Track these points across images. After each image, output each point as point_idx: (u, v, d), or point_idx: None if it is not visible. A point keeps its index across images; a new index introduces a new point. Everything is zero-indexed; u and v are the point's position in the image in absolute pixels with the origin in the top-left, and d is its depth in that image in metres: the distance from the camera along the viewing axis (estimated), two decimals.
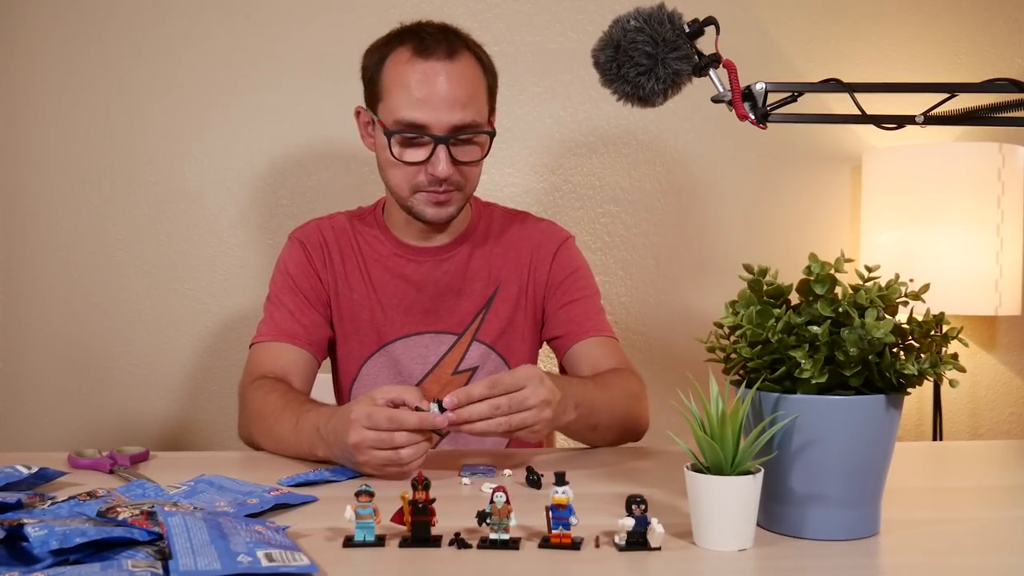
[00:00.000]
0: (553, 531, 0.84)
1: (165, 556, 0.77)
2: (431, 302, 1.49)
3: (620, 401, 1.33)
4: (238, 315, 2.11)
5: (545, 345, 1.57)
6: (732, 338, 0.91)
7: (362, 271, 1.49)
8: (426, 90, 1.33)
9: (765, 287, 0.90)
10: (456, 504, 0.97)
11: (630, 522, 0.84)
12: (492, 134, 1.40)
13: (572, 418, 1.20)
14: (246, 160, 2.11)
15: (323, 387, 1.52)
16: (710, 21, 0.98)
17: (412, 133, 1.35)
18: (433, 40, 1.35)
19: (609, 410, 1.30)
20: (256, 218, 2.12)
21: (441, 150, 1.34)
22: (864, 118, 0.98)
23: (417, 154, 1.36)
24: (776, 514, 0.89)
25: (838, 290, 0.87)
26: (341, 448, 1.11)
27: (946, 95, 1.00)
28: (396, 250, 1.50)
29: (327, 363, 1.55)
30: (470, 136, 1.37)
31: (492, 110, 1.44)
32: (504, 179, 2.16)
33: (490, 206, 1.58)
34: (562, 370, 1.53)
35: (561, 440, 2.16)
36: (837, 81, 0.98)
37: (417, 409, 1.08)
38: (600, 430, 1.31)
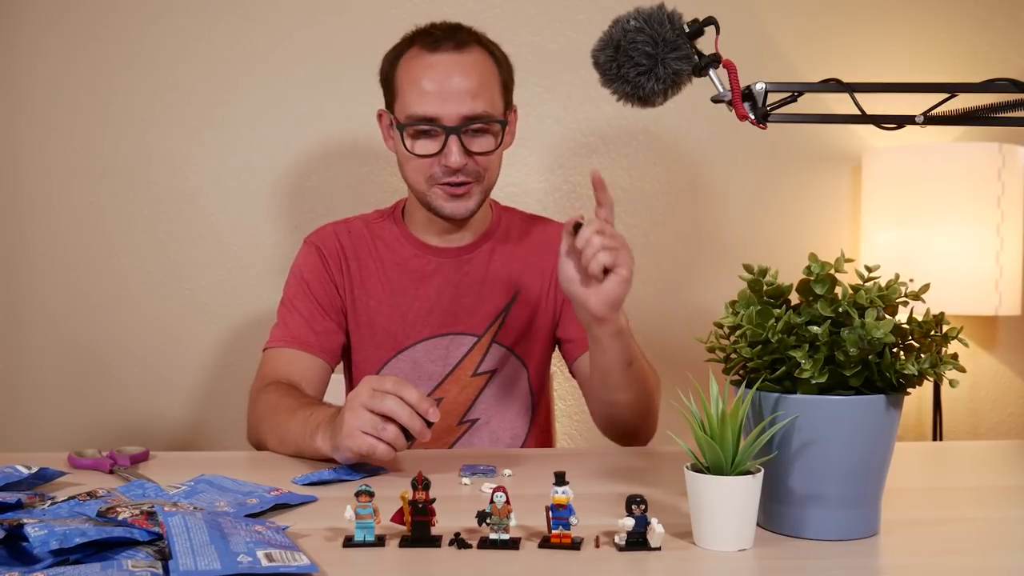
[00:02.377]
0: (553, 531, 0.84)
1: (165, 556, 0.77)
2: (452, 303, 1.48)
3: (648, 371, 1.37)
4: (238, 315, 2.11)
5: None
6: (732, 338, 0.91)
7: (380, 275, 1.48)
8: (435, 83, 1.35)
9: (765, 287, 0.90)
10: (456, 504, 0.97)
11: (630, 522, 0.83)
12: (504, 123, 1.41)
13: (624, 324, 1.26)
14: (246, 160, 2.11)
15: (336, 388, 1.51)
16: (710, 21, 0.98)
17: (424, 126, 1.36)
18: (442, 35, 1.38)
19: (640, 363, 1.34)
20: (256, 218, 2.12)
21: (453, 141, 1.35)
22: (864, 118, 0.98)
23: (430, 146, 1.37)
24: (776, 514, 0.89)
25: (838, 290, 0.87)
26: (338, 427, 1.10)
27: (946, 95, 1.00)
28: (417, 251, 1.49)
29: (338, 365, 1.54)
30: (482, 126, 1.38)
31: (508, 104, 1.45)
32: (504, 179, 2.13)
33: (509, 210, 1.58)
34: (573, 376, 1.53)
35: (561, 439, 2.16)
36: (837, 81, 0.98)
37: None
38: (632, 371, 1.31)
